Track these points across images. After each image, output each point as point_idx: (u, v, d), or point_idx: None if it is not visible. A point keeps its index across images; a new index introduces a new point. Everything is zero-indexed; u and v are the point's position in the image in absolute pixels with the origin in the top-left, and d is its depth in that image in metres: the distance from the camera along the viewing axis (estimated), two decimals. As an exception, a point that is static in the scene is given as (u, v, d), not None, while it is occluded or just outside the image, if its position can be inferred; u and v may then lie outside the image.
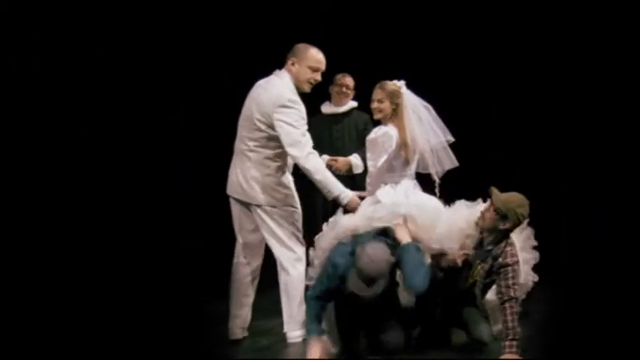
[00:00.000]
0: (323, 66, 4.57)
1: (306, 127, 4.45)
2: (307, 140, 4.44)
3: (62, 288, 5.81)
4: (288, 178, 4.63)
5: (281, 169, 4.54)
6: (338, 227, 4.36)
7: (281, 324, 4.62)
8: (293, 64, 4.52)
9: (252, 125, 4.47)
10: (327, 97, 5.90)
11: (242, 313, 4.71)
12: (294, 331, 4.55)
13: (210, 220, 6.44)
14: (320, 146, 5.58)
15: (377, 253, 3.95)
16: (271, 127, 4.40)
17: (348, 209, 4.45)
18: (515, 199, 4.21)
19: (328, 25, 7.49)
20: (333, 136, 5.81)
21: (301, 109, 4.44)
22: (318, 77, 4.57)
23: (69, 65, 6.71)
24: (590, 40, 7.13)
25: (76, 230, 6.51)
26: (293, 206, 4.58)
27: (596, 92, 7.15)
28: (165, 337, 4.86)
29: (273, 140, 4.43)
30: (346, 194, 4.44)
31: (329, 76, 5.76)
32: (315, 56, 4.54)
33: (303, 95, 4.54)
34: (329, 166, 5.49)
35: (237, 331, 4.70)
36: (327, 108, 5.88)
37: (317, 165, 4.45)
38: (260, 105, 4.46)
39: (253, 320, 4.82)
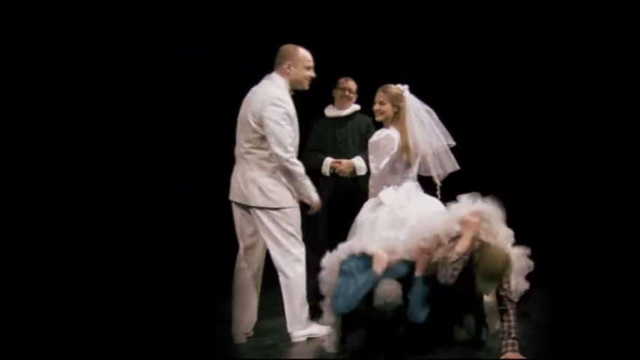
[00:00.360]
0: (313, 62, 4.85)
1: (292, 126, 4.68)
2: (292, 142, 4.68)
3: (64, 289, 5.90)
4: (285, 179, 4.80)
5: (278, 169, 4.72)
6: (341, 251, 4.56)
7: (284, 323, 4.76)
8: (289, 67, 4.77)
9: (248, 127, 4.69)
10: (331, 101, 6.03)
11: (246, 318, 4.87)
12: (298, 331, 4.72)
13: (210, 220, 6.49)
14: (324, 149, 5.77)
15: (389, 295, 4.27)
16: (262, 126, 4.62)
17: (312, 208, 4.89)
18: (494, 272, 4.21)
19: (329, 26, 7.56)
20: (337, 138, 5.91)
21: (289, 108, 4.68)
22: (314, 73, 4.86)
23: (69, 65, 6.75)
24: (590, 40, 7.15)
25: (77, 230, 6.55)
26: (291, 206, 4.74)
27: (596, 92, 7.16)
28: (170, 336, 4.97)
29: (267, 140, 4.64)
30: (315, 197, 4.84)
31: (332, 79, 5.92)
32: (307, 55, 4.84)
33: (307, 98, 4.71)
34: (333, 169, 5.69)
35: (241, 337, 4.85)
36: (330, 111, 6.01)
37: (298, 169, 4.72)
38: (252, 106, 4.69)
39: (256, 320, 4.96)
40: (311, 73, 4.85)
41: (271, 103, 4.62)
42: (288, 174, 4.69)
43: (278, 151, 4.60)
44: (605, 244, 6.79)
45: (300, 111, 4.92)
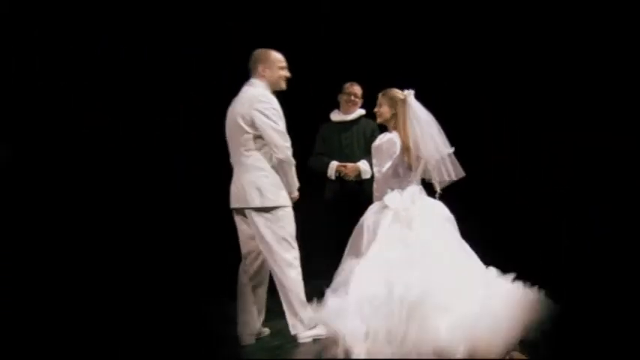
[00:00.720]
0: (285, 62, 5.10)
1: (282, 120, 4.91)
2: (285, 132, 4.91)
3: (71, 293, 6.01)
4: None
5: (275, 164, 4.96)
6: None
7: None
8: (264, 69, 5.05)
9: (239, 131, 4.94)
10: (336, 105, 6.27)
11: (250, 320, 5.08)
12: (303, 332, 4.91)
13: (213, 220, 6.45)
14: (330, 153, 5.99)
15: None
16: (253, 125, 4.87)
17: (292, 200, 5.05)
18: None
19: (334, 31, 7.65)
20: (342, 143, 6.16)
21: (276, 105, 4.95)
22: (288, 73, 5.12)
23: (69, 65, 6.85)
24: (590, 40, 7.25)
25: (78, 231, 6.64)
26: (284, 206, 4.97)
27: (596, 92, 7.24)
28: (178, 337, 5.15)
29: (260, 138, 4.90)
30: (296, 192, 5.05)
31: (338, 85, 6.11)
32: (278, 56, 5.12)
33: (312, 103, 4.85)
34: (338, 172, 5.88)
35: (247, 338, 5.06)
36: (336, 116, 6.25)
37: (293, 160, 4.95)
38: (239, 109, 4.96)
39: (263, 322, 5.15)
40: (285, 73, 5.11)
41: (258, 100, 4.89)
42: (284, 165, 4.92)
43: (277, 140, 4.85)
44: (605, 244, 6.86)
45: (306, 116, 5.07)
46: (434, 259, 4.65)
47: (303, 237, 5.16)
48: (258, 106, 4.86)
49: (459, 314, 4.34)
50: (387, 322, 4.33)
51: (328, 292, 4.71)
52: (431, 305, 4.35)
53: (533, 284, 4.71)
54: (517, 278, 4.68)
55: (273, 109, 4.89)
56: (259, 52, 5.09)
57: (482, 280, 4.65)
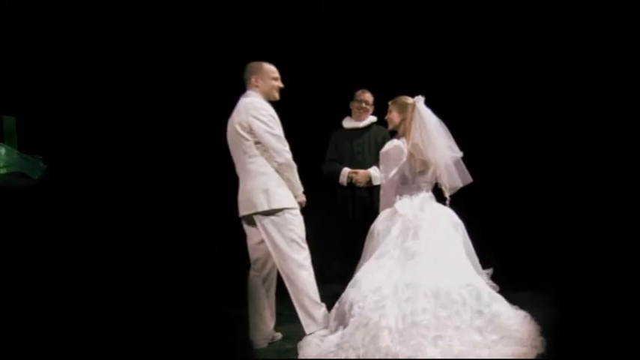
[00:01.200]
0: (278, 73, 5.33)
1: (279, 126, 5.13)
2: (282, 136, 5.13)
3: (77, 294, 6.07)
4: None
5: (277, 168, 5.15)
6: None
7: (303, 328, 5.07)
8: (256, 80, 5.29)
9: (240, 139, 5.16)
10: (348, 112, 6.49)
11: (262, 324, 5.29)
12: (318, 331, 5.00)
13: (224, 225, 6.44)
14: (341, 159, 6.20)
15: None
16: (251, 131, 5.10)
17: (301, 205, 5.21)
18: None
19: (346, 39, 7.71)
20: (354, 149, 6.38)
21: (271, 111, 5.17)
22: (281, 83, 5.36)
23: (69, 65, 7.02)
24: (590, 40, 7.44)
25: (90, 237, 6.76)
26: (290, 207, 5.15)
27: (596, 92, 7.43)
28: (191, 342, 5.31)
29: (260, 143, 5.11)
30: (301, 196, 5.22)
31: (349, 92, 6.36)
32: (271, 67, 5.35)
33: (325, 110, 5.04)
34: (350, 179, 6.09)
35: (260, 342, 5.27)
36: (348, 123, 6.48)
37: (293, 163, 5.15)
38: (237, 119, 5.18)
39: (275, 325, 5.34)
40: (278, 83, 5.34)
41: (253, 107, 5.12)
42: (284, 169, 5.12)
43: (275, 144, 5.07)
44: (605, 244, 6.94)
45: (318, 123, 5.20)
46: (434, 273, 4.78)
47: (316, 243, 5.30)
48: (253, 112, 5.08)
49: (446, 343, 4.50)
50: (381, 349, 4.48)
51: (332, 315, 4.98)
52: (420, 335, 4.49)
53: (533, 285, 4.87)
54: (521, 281, 4.79)
55: (269, 114, 5.11)
56: (252, 65, 5.32)
57: (480, 303, 4.76)
